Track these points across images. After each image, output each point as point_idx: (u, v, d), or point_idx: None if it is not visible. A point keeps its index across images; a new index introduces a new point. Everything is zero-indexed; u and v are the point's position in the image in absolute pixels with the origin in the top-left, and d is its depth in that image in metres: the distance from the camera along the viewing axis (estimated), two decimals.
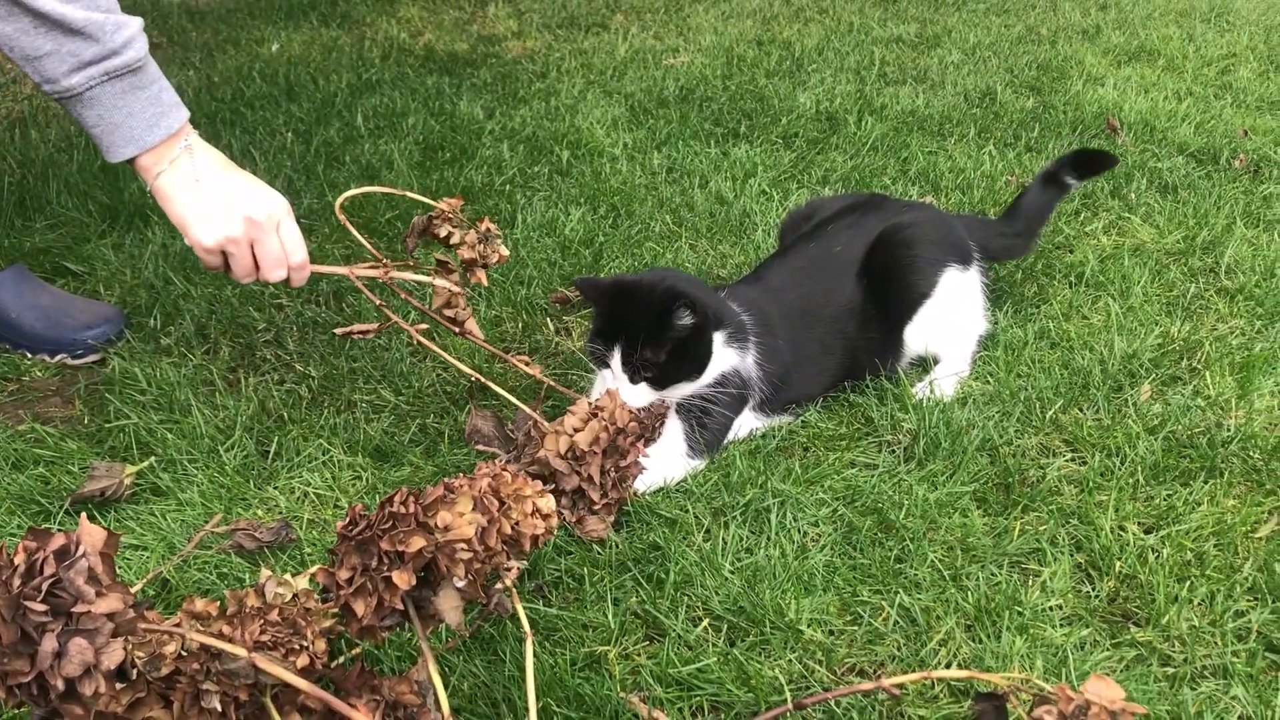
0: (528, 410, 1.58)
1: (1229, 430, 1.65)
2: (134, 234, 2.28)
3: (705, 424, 1.63)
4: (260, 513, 1.54)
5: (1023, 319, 1.98)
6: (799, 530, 1.48)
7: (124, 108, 1.47)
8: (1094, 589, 1.39)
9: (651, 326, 1.57)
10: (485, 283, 1.67)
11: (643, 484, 1.56)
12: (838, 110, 2.99)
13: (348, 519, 1.06)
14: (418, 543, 1.03)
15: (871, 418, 1.72)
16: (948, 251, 1.82)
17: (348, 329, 1.68)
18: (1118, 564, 1.41)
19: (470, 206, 2.45)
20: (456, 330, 1.66)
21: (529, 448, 1.49)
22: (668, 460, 1.60)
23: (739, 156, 2.70)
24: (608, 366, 1.61)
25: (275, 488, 1.59)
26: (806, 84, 3.24)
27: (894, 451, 1.66)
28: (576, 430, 1.46)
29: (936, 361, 1.84)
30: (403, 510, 1.04)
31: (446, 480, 1.11)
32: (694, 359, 1.61)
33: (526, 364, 1.69)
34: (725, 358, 1.65)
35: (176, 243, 2.23)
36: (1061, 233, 2.32)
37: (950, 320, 1.82)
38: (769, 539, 1.46)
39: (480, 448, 1.63)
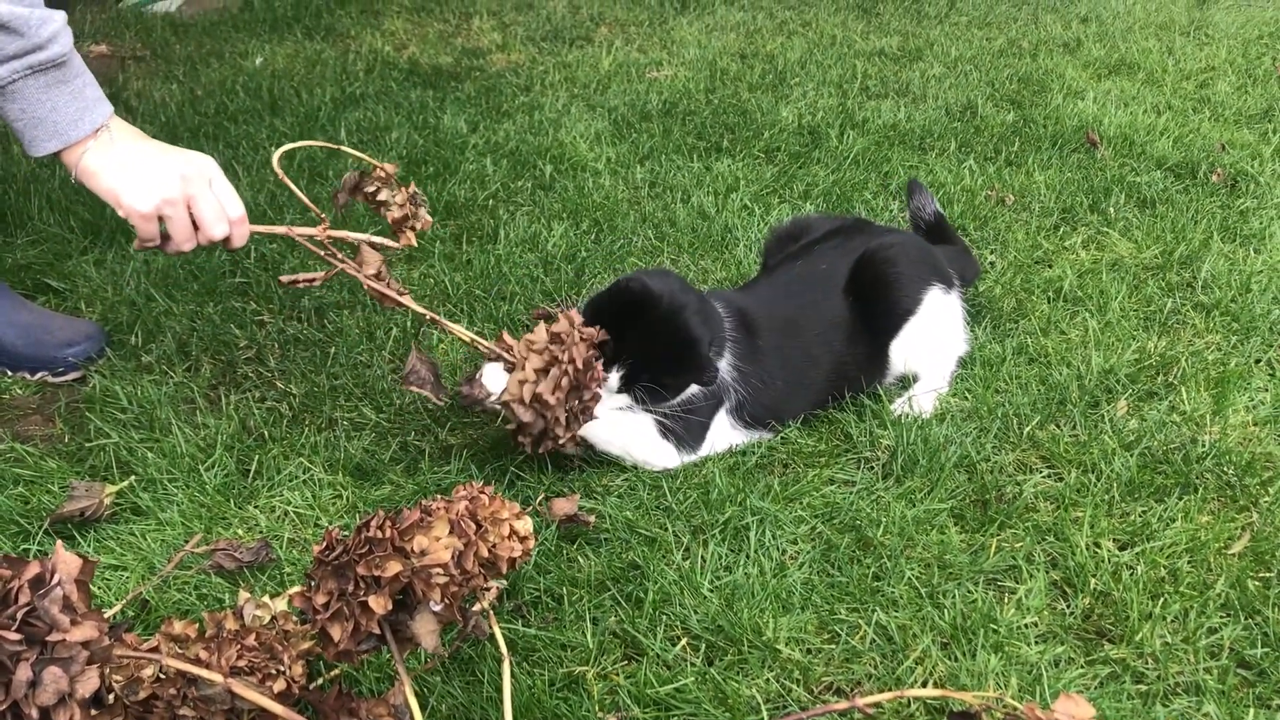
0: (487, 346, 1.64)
1: (1204, 446, 1.67)
2: (116, 250, 2.28)
3: (677, 420, 1.67)
4: (240, 532, 1.55)
5: (1001, 335, 2.00)
6: (778, 548, 1.49)
7: (47, 102, 1.50)
8: (1069, 606, 1.40)
9: (667, 366, 1.62)
10: (414, 243, 1.69)
11: (599, 437, 1.65)
12: (820, 124, 3.01)
13: (324, 543, 1.06)
14: (394, 567, 1.04)
15: (850, 434, 1.73)
16: (931, 272, 1.85)
17: (293, 277, 1.67)
18: (1093, 581, 1.42)
19: (453, 221, 2.46)
20: (395, 296, 1.67)
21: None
22: (638, 442, 1.65)
23: (721, 171, 2.72)
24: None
25: (256, 507, 1.59)
26: (789, 98, 3.26)
27: (872, 468, 1.67)
28: (538, 375, 1.56)
29: (916, 379, 1.85)
30: (379, 535, 1.05)
31: (423, 503, 1.12)
32: (681, 387, 1.66)
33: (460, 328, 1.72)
34: None
35: (158, 259, 2.23)
36: (1040, 248, 2.34)
37: (933, 338, 1.84)
38: (748, 557, 1.47)
39: (414, 389, 1.63)
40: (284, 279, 1.67)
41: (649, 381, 1.61)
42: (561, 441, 1.59)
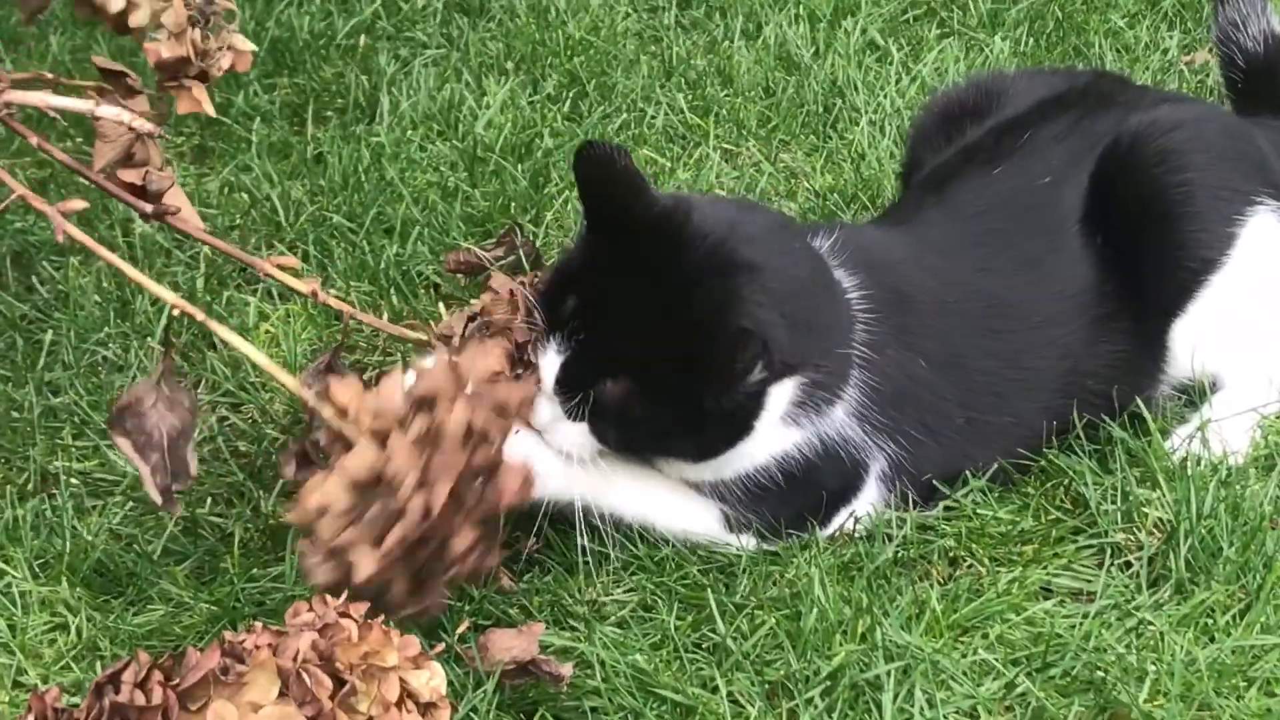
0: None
1: None
2: None
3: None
4: None
5: None
6: None
7: None
8: None
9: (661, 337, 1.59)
10: (208, 109, 1.69)
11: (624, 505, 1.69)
12: None
13: (31, 718, 1.08)
14: None
15: (1084, 497, 1.74)
16: (1250, 178, 1.86)
17: None
18: None
19: (286, 79, 2.48)
20: (147, 213, 1.68)
21: None
22: (694, 517, 1.71)
23: None
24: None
25: None
26: None
27: (1129, 565, 1.68)
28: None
29: (1214, 388, 1.86)
30: (140, 701, 1.06)
31: (229, 637, 1.13)
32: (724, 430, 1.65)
33: (288, 269, 1.71)
34: (784, 436, 1.68)
35: None
36: None
37: (1252, 313, 1.86)
38: None
39: (123, 448, 1.57)
40: None
41: (630, 385, 1.59)
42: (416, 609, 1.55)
